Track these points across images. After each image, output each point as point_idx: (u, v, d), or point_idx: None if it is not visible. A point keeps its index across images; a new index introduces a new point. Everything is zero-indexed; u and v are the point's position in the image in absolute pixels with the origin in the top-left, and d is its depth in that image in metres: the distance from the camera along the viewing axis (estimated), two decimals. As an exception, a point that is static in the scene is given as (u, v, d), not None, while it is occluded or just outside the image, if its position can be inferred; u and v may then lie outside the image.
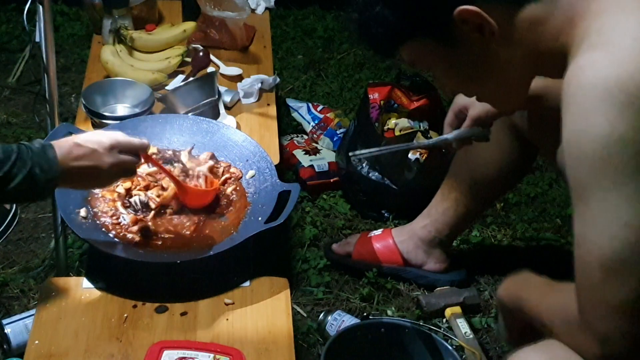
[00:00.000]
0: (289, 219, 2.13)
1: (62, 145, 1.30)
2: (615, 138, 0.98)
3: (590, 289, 1.04)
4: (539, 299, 1.22)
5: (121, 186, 1.62)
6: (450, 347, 1.69)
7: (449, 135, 1.70)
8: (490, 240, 2.21)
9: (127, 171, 1.42)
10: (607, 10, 1.06)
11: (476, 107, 1.63)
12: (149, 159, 1.52)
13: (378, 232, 2.07)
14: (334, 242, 2.10)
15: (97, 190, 1.63)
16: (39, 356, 1.37)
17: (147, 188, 1.63)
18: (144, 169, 1.67)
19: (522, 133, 1.77)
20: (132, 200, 1.60)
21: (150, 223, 1.58)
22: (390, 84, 2.39)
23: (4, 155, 1.22)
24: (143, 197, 1.61)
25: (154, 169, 1.67)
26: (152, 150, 1.73)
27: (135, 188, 1.63)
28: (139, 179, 1.64)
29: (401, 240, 2.02)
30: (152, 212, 1.59)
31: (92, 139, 1.34)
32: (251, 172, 1.73)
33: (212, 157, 1.74)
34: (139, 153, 1.42)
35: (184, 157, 1.73)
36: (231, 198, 1.67)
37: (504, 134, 1.79)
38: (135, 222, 1.57)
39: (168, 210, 1.61)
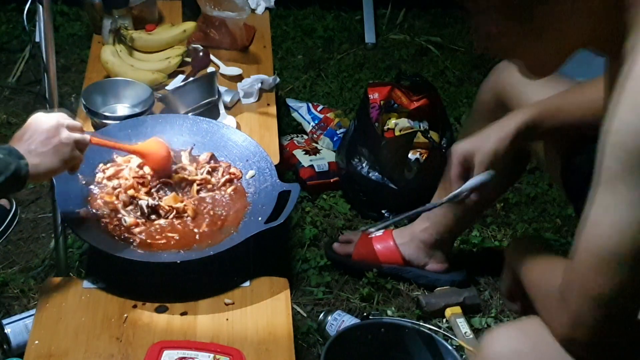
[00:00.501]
0: (289, 219, 2.13)
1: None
2: None
3: (579, 271, 1.04)
4: (530, 268, 1.23)
5: (124, 193, 1.62)
6: (450, 347, 1.69)
7: (462, 188, 1.55)
8: (490, 240, 2.21)
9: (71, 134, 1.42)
10: None
11: (482, 152, 1.56)
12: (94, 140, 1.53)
13: (379, 233, 2.07)
14: (334, 241, 2.11)
15: (96, 191, 1.63)
16: (39, 356, 1.37)
17: (148, 194, 1.63)
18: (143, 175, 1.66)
19: None
20: (140, 203, 1.60)
21: (153, 227, 1.58)
22: (390, 84, 2.39)
23: None
24: (152, 202, 1.60)
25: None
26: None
27: (138, 192, 1.62)
28: (140, 187, 1.64)
29: (402, 243, 2.02)
30: (162, 220, 1.59)
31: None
32: (251, 172, 1.73)
33: (212, 157, 1.74)
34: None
35: (184, 157, 1.73)
36: (231, 198, 1.67)
37: None
38: (136, 225, 1.57)
39: (171, 216, 1.61)
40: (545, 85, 1.63)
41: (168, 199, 1.61)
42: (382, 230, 2.07)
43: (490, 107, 1.75)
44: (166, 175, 1.67)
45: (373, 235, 2.06)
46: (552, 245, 1.28)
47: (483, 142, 1.54)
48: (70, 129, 1.42)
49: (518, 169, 1.92)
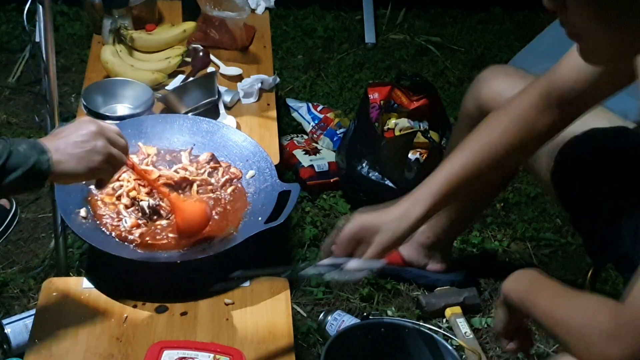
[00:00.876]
0: (289, 219, 2.13)
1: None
2: None
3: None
4: (551, 304, 1.20)
5: (126, 197, 1.61)
6: (450, 347, 1.69)
7: (355, 264, 1.40)
8: (490, 240, 2.21)
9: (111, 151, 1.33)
10: None
11: (386, 233, 1.41)
12: (133, 168, 1.48)
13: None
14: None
15: (96, 192, 1.63)
16: (39, 356, 1.37)
17: (149, 194, 1.62)
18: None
19: None
20: (141, 204, 1.59)
21: (154, 227, 1.58)
22: (390, 84, 2.39)
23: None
24: (153, 202, 1.60)
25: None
26: (152, 150, 1.73)
27: (139, 192, 1.62)
28: (141, 187, 1.63)
29: (402, 246, 2.01)
30: (163, 220, 1.59)
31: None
32: (251, 172, 1.73)
33: (212, 157, 1.74)
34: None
35: (184, 158, 1.73)
36: (231, 198, 1.67)
37: None
38: (137, 227, 1.56)
39: (172, 217, 1.60)
40: None
41: None
42: None
43: (474, 118, 1.70)
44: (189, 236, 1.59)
45: None
46: (554, 277, 1.25)
47: (388, 223, 1.42)
48: (112, 143, 1.33)
49: (505, 180, 1.89)
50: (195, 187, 1.66)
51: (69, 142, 1.28)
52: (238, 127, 1.93)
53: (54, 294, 1.49)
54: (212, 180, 1.69)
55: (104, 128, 1.33)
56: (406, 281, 2.04)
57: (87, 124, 1.31)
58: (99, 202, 1.61)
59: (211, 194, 1.67)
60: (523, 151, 1.49)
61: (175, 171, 1.68)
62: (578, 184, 1.53)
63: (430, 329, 1.77)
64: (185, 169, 1.69)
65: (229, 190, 1.69)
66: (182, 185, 1.66)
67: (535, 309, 1.22)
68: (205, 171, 1.70)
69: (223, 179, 1.70)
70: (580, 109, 1.41)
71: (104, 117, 1.89)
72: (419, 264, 2.02)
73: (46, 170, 1.23)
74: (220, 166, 1.73)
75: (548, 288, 1.23)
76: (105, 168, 1.33)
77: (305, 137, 2.52)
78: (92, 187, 1.64)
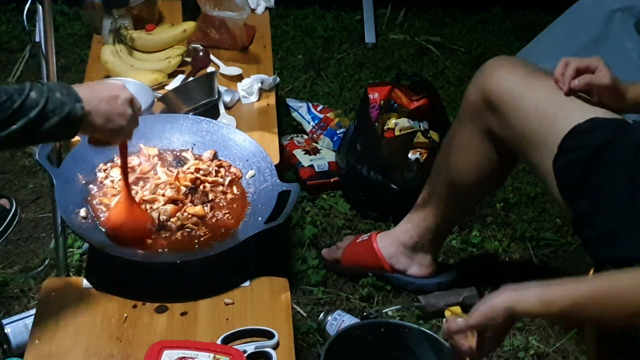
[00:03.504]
0: (289, 219, 2.13)
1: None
2: None
3: None
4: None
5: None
6: (450, 347, 1.68)
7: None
8: (490, 240, 2.21)
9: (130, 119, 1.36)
10: None
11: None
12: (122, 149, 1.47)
13: (365, 237, 2.06)
14: (326, 247, 2.09)
15: (95, 192, 1.63)
16: (39, 356, 1.37)
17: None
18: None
19: (500, 139, 1.70)
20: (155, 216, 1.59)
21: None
22: (390, 83, 2.39)
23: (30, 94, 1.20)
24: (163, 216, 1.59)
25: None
26: (154, 151, 1.73)
27: (153, 202, 1.61)
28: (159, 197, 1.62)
29: (384, 246, 2.00)
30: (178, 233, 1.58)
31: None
32: (251, 172, 1.73)
33: (215, 155, 1.74)
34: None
35: (189, 156, 1.73)
36: (231, 198, 1.67)
37: (481, 141, 1.75)
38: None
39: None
40: (540, 89, 1.60)
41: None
42: (367, 235, 2.06)
43: (478, 107, 1.71)
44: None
45: (360, 240, 2.05)
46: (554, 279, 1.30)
47: None
48: (134, 118, 1.36)
49: (503, 173, 1.87)
50: (208, 186, 1.66)
51: (102, 97, 1.30)
52: (238, 127, 1.93)
53: (54, 294, 1.48)
54: (220, 180, 1.69)
55: (134, 99, 1.36)
56: (398, 287, 2.03)
57: (123, 89, 1.34)
58: (99, 201, 1.61)
59: (212, 194, 1.66)
60: None
61: (193, 171, 1.68)
62: (580, 173, 1.51)
63: (430, 329, 1.78)
64: (199, 170, 1.69)
65: (229, 190, 1.69)
66: (196, 185, 1.66)
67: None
68: (212, 170, 1.70)
69: (228, 179, 1.70)
70: None
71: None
72: (400, 266, 2.00)
73: (80, 117, 1.25)
74: (223, 166, 1.73)
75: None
76: (121, 135, 1.37)
77: (305, 137, 2.52)
78: (92, 186, 1.64)
